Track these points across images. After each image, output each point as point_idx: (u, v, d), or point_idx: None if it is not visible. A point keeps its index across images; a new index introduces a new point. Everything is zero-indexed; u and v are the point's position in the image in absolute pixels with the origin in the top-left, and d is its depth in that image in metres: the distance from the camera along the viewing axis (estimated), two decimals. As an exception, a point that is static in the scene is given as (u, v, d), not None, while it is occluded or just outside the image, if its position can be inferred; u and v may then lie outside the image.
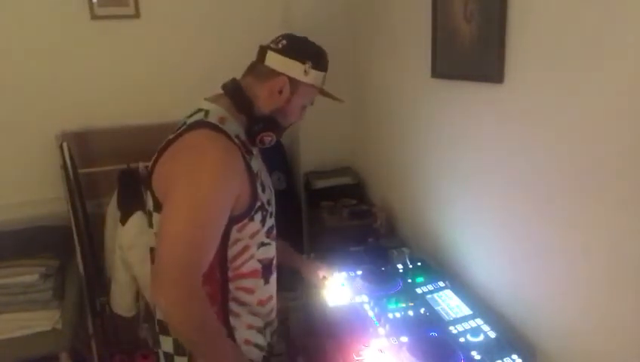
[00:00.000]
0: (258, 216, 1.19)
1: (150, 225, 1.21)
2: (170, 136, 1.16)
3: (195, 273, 1.05)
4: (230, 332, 1.21)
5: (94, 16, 2.34)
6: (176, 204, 1.06)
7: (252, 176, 1.16)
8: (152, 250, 1.22)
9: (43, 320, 1.93)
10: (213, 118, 1.15)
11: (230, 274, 1.19)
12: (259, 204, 1.19)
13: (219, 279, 1.18)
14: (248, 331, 1.25)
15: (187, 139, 1.11)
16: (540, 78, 1.16)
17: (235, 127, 1.18)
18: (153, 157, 1.17)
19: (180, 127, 1.17)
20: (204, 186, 1.06)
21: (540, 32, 1.14)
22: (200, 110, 1.18)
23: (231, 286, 1.20)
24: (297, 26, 2.38)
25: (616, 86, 0.96)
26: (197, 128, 1.12)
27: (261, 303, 1.27)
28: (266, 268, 1.28)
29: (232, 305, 1.21)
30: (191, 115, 1.19)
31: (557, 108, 1.12)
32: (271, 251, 1.30)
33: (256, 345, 1.27)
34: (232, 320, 1.22)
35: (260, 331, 1.29)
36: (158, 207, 1.14)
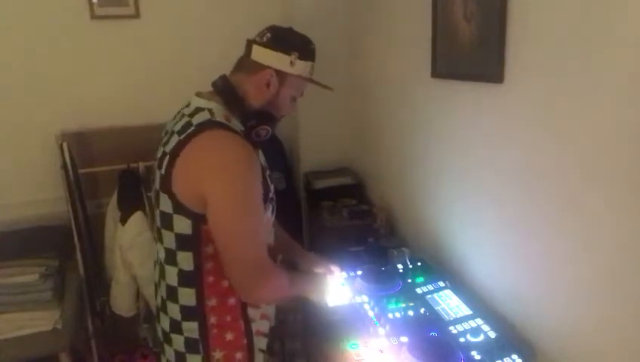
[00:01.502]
0: (270, 206, 1.25)
1: (166, 226, 1.19)
2: (181, 138, 1.14)
3: (267, 256, 1.18)
4: (247, 324, 1.24)
5: (94, 16, 2.34)
6: (225, 207, 1.12)
7: (263, 169, 1.22)
8: (168, 250, 1.21)
9: (43, 320, 1.92)
10: (220, 118, 1.16)
11: None
12: (271, 195, 1.24)
13: None
14: (261, 321, 1.28)
15: (204, 140, 1.12)
16: (540, 77, 1.16)
17: (237, 124, 1.20)
18: (165, 160, 1.15)
19: (187, 128, 1.14)
20: (242, 182, 1.12)
21: (540, 32, 1.14)
22: (200, 109, 1.18)
23: None
24: (297, 26, 2.37)
25: (617, 85, 0.96)
26: (210, 129, 1.13)
27: None
28: (270, 255, 1.30)
29: None
30: (193, 115, 1.17)
31: (557, 107, 1.12)
32: (271, 237, 1.36)
33: (265, 334, 1.31)
34: (251, 312, 1.25)
35: (269, 319, 1.33)
36: (180, 209, 1.15)
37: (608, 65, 0.97)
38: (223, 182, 1.10)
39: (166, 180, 1.15)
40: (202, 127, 1.13)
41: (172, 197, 1.15)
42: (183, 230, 1.16)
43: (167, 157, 1.15)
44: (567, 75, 1.08)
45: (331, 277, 1.44)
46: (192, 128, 1.13)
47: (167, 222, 1.18)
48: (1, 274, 1.94)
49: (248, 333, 1.24)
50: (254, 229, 1.15)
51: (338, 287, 1.44)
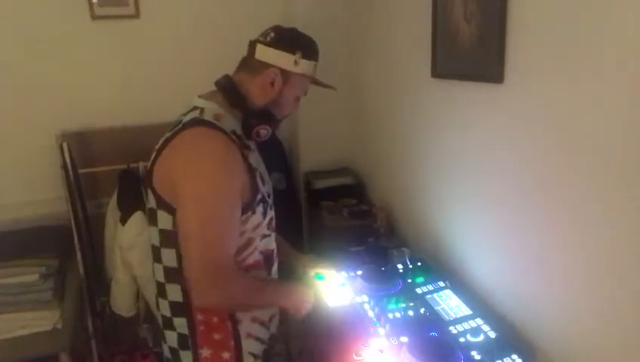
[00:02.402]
0: (260, 209, 1.22)
1: (152, 222, 1.22)
2: (168, 135, 1.18)
3: (221, 265, 1.10)
4: (234, 325, 1.23)
5: (94, 16, 2.34)
6: (186, 206, 1.10)
7: (251, 169, 1.19)
8: (154, 247, 1.23)
9: (43, 320, 1.92)
10: (208, 116, 1.17)
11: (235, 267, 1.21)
12: (260, 196, 1.22)
13: None
14: (251, 324, 1.27)
15: (184, 137, 1.13)
16: (540, 78, 1.16)
17: (230, 122, 1.20)
18: (152, 156, 1.19)
19: (175, 126, 1.18)
20: (207, 183, 1.10)
21: (540, 32, 1.14)
22: (195, 108, 1.20)
23: None
24: (297, 26, 2.37)
25: (617, 86, 0.96)
26: (193, 127, 1.14)
27: None
28: (268, 260, 1.31)
29: None
30: (186, 113, 1.20)
31: (557, 108, 1.12)
32: (271, 243, 1.33)
33: (258, 338, 1.29)
34: (238, 313, 1.24)
35: (264, 324, 1.31)
36: (161, 204, 1.16)
37: (608, 65, 0.97)
38: (190, 179, 1.10)
39: (149, 175, 1.18)
40: (188, 124, 1.15)
41: (154, 192, 1.17)
42: (165, 226, 1.17)
43: (154, 153, 1.19)
44: (567, 75, 1.08)
45: (310, 288, 1.37)
46: (179, 126, 1.16)
47: (152, 217, 1.20)
48: (1, 274, 1.93)
49: (236, 335, 1.24)
50: (216, 231, 1.10)
51: (337, 287, 1.44)
